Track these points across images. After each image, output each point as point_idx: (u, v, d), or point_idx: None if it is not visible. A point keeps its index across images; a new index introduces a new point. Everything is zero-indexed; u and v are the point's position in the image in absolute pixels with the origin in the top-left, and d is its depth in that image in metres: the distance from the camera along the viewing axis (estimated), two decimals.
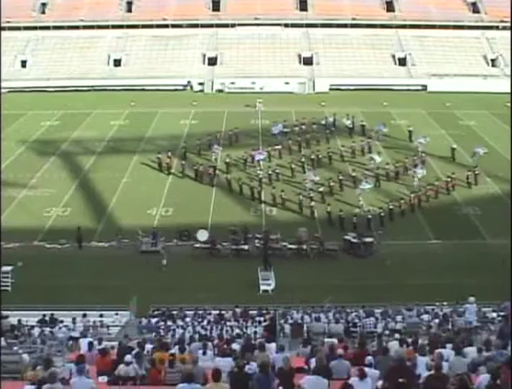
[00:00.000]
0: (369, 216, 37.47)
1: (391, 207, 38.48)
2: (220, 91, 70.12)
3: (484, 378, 11.31)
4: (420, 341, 16.16)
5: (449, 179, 42.21)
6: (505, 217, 36.69)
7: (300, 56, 74.50)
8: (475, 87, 68.03)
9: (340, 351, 13.86)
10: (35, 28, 77.62)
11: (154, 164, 46.62)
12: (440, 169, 45.22)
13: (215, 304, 27.80)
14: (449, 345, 14.77)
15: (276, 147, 47.95)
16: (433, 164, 46.45)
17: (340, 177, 42.29)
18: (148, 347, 16.84)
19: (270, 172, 43.38)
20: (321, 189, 40.58)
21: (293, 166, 44.72)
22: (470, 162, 45.65)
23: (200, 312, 26.74)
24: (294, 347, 19.26)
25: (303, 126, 52.01)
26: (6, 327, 21.69)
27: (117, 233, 35.92)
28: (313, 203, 38.96)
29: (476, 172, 43.52)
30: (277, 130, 50.35)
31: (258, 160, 44.71)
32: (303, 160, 45.55)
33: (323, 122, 53.70)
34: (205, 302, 28.12)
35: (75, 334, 21.93)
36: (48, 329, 22.83)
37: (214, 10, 79.30)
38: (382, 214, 37.68)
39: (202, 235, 35.16)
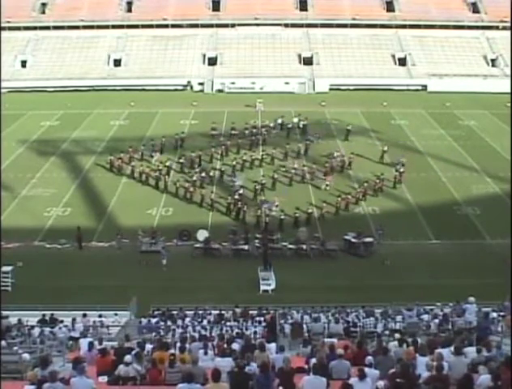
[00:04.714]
0: (282, 217, 37.21)
1: (310, 210, 38.34)
2: (220, 91, 70.11)
3: (484, 378, 11.29)
4: (419, 341, 16.14)
5: (377, 180, 42.18)
6: (505, 217, 36.72)
7: (300, 56, 74.47)
8: (475, 87, 68.15)
9: (340, 351, 13.85)
10: (35, 28, 77.67)
11: (107, 165, 46.34)
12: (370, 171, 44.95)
13: (215, 304, 27.79)
14: (449, 345, 14.74)
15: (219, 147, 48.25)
16: (365, 165, 46.30)
17: (263, 181, 41.86)
18: (148, 347, 16.81)
19: (203, 174, 43.26)
20: (241, 191, 40.32)
21: (223, 169, 44.79)
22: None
23: (200, 312, 26.73)
24: (294, 347, 19.26)
25: (254, 129, 51.91)
26: (5, 328, 21.64)
27: (117, 233, 35.93)
28: (239, 205, 38.79)
29: (401, 170, 43.65)
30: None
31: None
32: (233, 163, 45.37)
33: (272, 125, 53.44)
34: (205, 302, 28.12)
35: (75, 334, 21.91)
36: (48, 329, 22.78)
37: (214, 10, 79.31)
38: (297, 214, 37.42)
39: (202, 235, 35.23)
